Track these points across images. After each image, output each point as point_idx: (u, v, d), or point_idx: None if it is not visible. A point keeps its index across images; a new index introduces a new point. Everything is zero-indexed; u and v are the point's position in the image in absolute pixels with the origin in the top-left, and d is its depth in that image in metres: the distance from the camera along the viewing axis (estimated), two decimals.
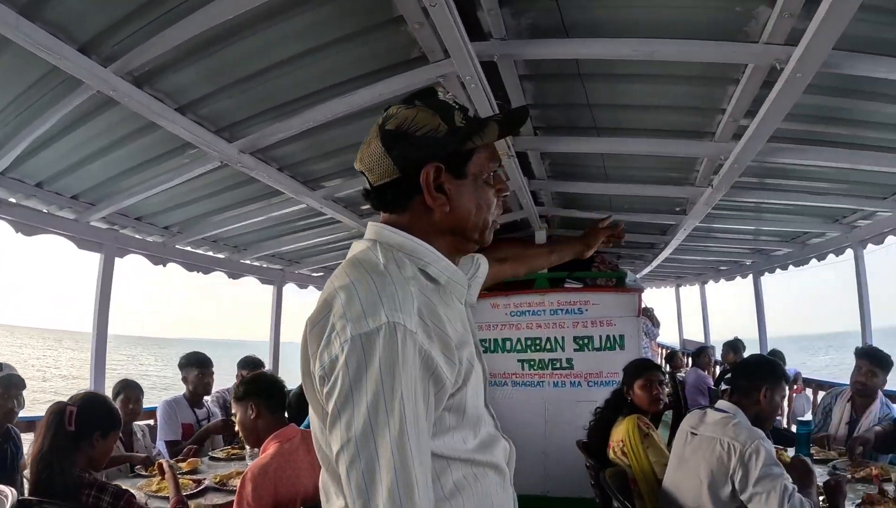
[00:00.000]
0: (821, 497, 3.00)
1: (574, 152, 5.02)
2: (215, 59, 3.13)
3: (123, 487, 2.92)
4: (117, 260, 5.26)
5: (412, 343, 1.18)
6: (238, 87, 3.44)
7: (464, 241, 1.45)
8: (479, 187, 1.43)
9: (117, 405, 3.88)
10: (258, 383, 3.34)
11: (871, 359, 4.47)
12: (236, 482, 3.38)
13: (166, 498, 3.40)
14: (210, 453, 4.68)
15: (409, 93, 3.22)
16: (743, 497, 2.77)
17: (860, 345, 4.87)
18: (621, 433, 3.80)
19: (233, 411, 3.45)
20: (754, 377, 3.13)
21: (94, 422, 2.93)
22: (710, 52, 3.17)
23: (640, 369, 4.03)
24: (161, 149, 4.02)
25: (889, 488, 3.28)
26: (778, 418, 7.23)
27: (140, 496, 3.33)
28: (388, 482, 1.10)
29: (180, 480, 3.56)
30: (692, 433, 3.13)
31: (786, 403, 7.51)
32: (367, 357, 1.16)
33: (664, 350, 12.23)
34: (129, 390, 4.49)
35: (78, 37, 2.81)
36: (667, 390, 4.01)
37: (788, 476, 2.78)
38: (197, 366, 5.22)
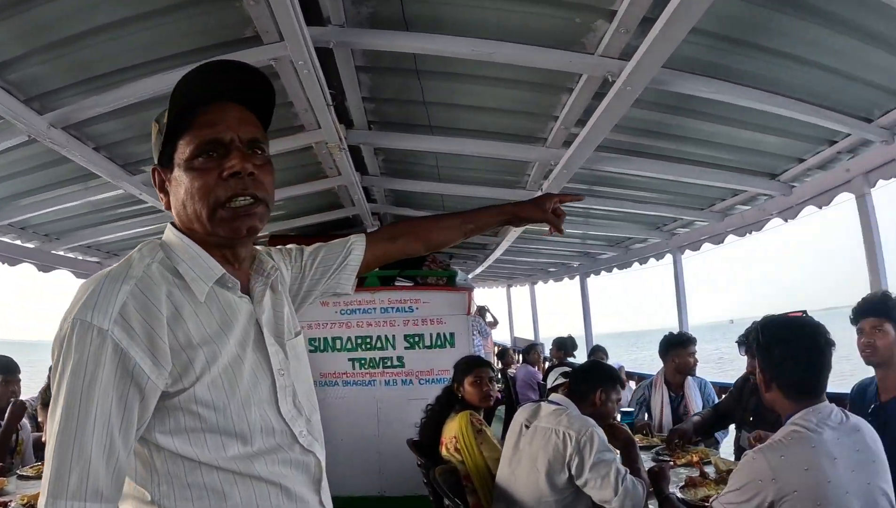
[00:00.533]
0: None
1: (408, 150, 4.98)
2: (28, 17, 2.72)
3: None
4: None
5: (96, 336, 1.16)
6: (53, 51, 3.00)
7: (204, 235, 1.36)
8: (184, 174, 1.33)
9: None
10: None
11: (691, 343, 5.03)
12: None
13: None
14: (18, 471, 4.03)
15: None
16: (579, 483, 2.90)
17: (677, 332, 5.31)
18: (454, 429, 3.79)
19: (40, 419, 3.09)
20: (590, 381, 3.29)
21: None
22: (548, 58, 3.20)
23: (470, 365, 4.03)
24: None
25: (710, 470, 3.47)
26: None
27: None
28: (50, 449, 1.14)
29: None
30: (526, 426, 3.20)
31: None
32: (61, 345, 1.18)
33: (497, 348, 12.53)
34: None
35: None
36: (497, 386, 4.03)
37: (618, 460, 2.96)
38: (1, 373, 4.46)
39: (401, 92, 4.01)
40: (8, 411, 4.18)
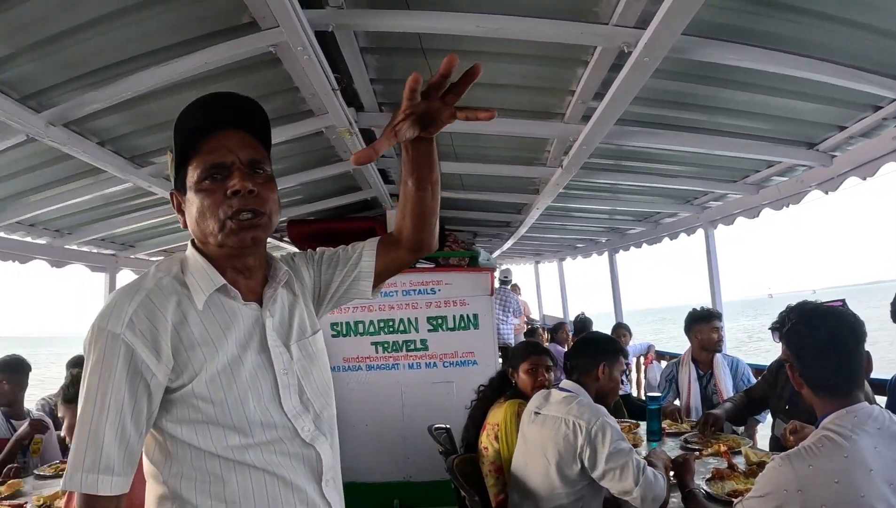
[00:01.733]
0: (671, 474, 3.06)
1: None
2: (14, 13, 2.64)
3: None
4: None
5: (111, 339, 1.40)
6: (43, 48, 2.92)
7: (215, 247, 1.56)
8: (195, 196, 1.53)
9: None
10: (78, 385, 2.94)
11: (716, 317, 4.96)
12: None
13: None
14: (36, 470, 4.03)
15: (237, 62, 3.09)
16: (595, 475, 2.83)
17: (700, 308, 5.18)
18: (499, 416, 3.69)
19: (59, 414, 3.09)
20: (592, 354, 3.24)
21: None
22: (558, 31, 3.03)
23: (527, 352, 3.90)
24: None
25: (739, 461, 3.33)
26: (630, 390, 7.53)
27: None
28: (77, 436, 1.39)
29: None
30: (536, 413, 3.15)
31: (643, 374, 7.86)
32: (86, 348, 1.44)
33: (526, 326, 12.46)
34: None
35: None
36: (552, 375, 3.89)
37: (634, 450, 2.87)
38: (9, 371, 4.48)
39: (409, 72, 3.79)
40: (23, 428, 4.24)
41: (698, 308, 5.07)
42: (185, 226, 1.61)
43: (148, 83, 3.23)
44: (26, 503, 3.39)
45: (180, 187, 1.59)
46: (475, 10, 2.98)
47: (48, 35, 2.83)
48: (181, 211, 1.62)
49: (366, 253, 1.85)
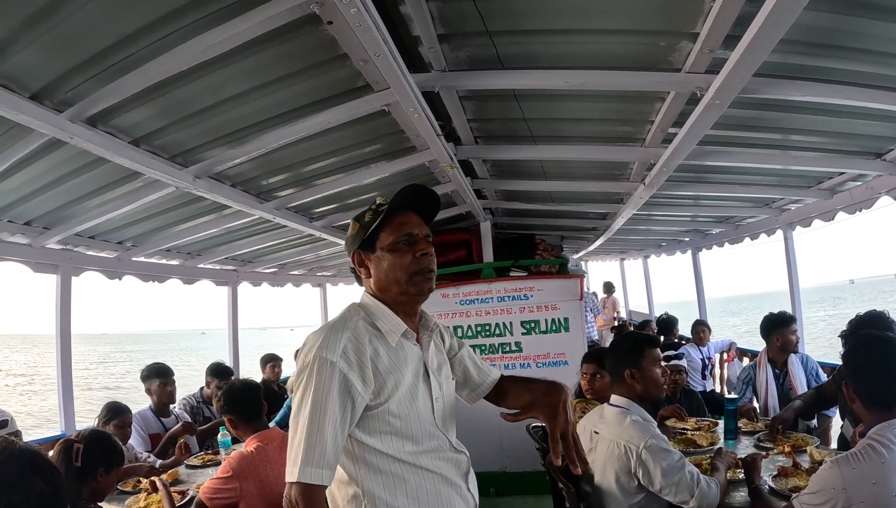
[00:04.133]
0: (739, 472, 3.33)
1: (514, 159, 5.26)
2: (169, 98, 3.20)
3: None
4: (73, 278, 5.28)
5: (329, 366, 1.80)
6: (190, 120, 3.51)
7: (396, 294, 2.03)
8: (387, 254, 2.02)
9: (110, 429, 4.07)
10: (230, 400, 3.56)
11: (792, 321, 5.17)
12: None
13: None
14: (186, 462, 4.69)
15: (353, 119, 3.55)
16: (654, 490, 3.01)
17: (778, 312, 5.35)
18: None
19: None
20: (616, 364, 3.35)
21: (99, 458, 3.11)
22: (636, 81, 3.39)
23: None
24: (115, 176, 4.05)
25: (804, 459, 3.57)
26: (713, 386, 7.66)
27: None
28: (299, 434, 1.77)
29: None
30: (595, 433, 3.31)
31: (725, 371, 7.97)
32: (306, 371, 1.84)
33: (616, 323, 12.61)
34: (121, 415, 4.50)
35: (30, 85, 2.86)
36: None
37: (686, 460, 3.04)
38: (158, 376, 5.27)
39: (502, 112, 4.28)
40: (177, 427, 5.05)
41: (774, 313, 5.27)
42: (367, 276, 2.09)
43: (277, 140, 3.81)
44: (188, 490, 3.91)
45: (367, 248, 2.06)
46: (561, 67, 3.37)
47: (197, 109, 3.43)
48: (363, 266, 2.10)
49: (445, 335, 2.34)
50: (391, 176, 5.04)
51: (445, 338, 2.33)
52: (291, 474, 1.75)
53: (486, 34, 3.09)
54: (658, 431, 3.17)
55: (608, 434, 3.20)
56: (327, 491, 1.87)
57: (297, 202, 5.31)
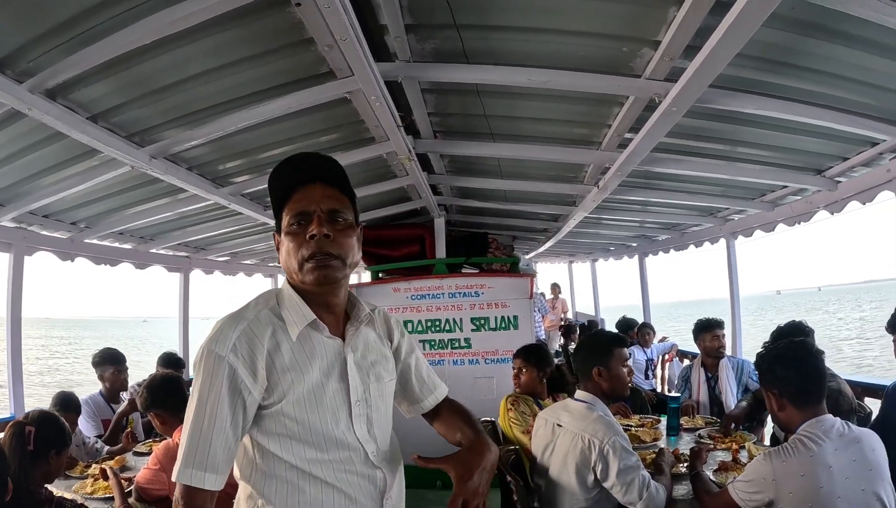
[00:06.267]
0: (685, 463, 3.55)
1: (472, 155, 5.29)
2: (130, 73, 3.14)
3: (68, 497, 3.08)
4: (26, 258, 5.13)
5: (217, 361, 1.65)
6: (151, 97, 3.45)
7: (299, 283, 1.82)
8: (284, 238, 1.82)
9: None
10: (154, 394, 3.54)
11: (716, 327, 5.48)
12: None
13: (103, 500, 3.52)
14: (133, 449, 4.61)
15: (314, 105, 3.51)
16: (606, 485, 3.13)
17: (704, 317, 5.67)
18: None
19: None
20: (583, 361, 3.46)
21: (51, 440, 3.06)
22: (598, 83, 3.44)
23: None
24: (72, 153, 3.96)
25: (744, 456, 3.77)
26: (655, 385, 7.89)
27: (77, 498, 3.41)
28: (184, 433, 1.66)
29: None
30: (558, 425, 3.40)
31: (666, 371, 8.23)
32: (198, 365, 1.69)
33: (563, 323, 12.80)
34: (68, 403, 4.44)
35: None
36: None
37: (642, 465, 3.18)
38: (112, 363, 5.22)
39: (463, 108, 4.31)
40: (124, 405, 4.96)
41: (702, 318, 5.59)
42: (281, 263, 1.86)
43: (236, 123, 3.76)
44: (135, 476, 3.71)
45: (278, 231, 1.85)
46: (526, 64, 3.42)
47: (157, 87, 3.37)
48: (279, 250, 1.87)
49: (430, 400, 2.15)
50: (349, 166, 4.86)
51: (394, 334, 2.10)
52: (174, 472, 1.64)
53: (453, 27, 3.12)
54: (622, 431, 3.26)
55: (573, 427, 3.28)
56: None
57: (253, 189, 5.27)
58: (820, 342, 4.09)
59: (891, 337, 3.93)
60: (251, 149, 4.48)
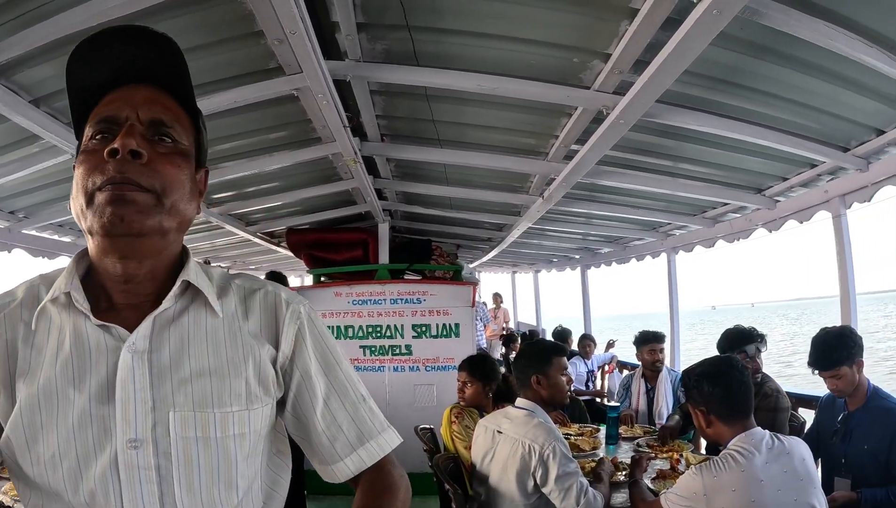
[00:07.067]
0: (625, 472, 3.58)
1: (418, 160, 5.27)
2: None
3: None
4: None
5: None
6: None
7: (90, 234, 1.11)
8: (77, 162, 1.12)
9: None
10: None
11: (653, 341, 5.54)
12: None
13: None
14: None
15: (260, 101, 3.33)
16: (545, 491, 3.13)
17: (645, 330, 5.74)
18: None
19: None
20: (523, 369, 3.46)
21: None
22: (547, 92, 3.45)
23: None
24: (12, 138, 3.74)
25: (682, 462, 3.82)
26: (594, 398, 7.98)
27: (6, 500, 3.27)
28: None
29: None
30: (499, 432, 3.38)
31: (606, 382, 8.35)
32: None
33: (504, 331, 12.86)
34: None
35: None
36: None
37: (581, 472, 3.18)
38: None
39: (411, 112, 4.28)
40: None
41: (642, 331, 5.68)
42: None
43: None
44: None
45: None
46: (477, 70, 3.40)
47: None
48: None
49: (347, 465, 1.26)
50: (294, 166, 4.97)
51: (285, 331, 1.23)
52: None
53: (405, 28, 3.08)
54: (563, 438, 3.27)
55: (513, 434, 3.27)
56: None
57: None
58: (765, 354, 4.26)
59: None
60: None
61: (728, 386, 2.78)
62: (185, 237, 1.25)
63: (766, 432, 2.74)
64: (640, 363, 5.69)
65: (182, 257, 1.22)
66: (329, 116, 3.73)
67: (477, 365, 4.44)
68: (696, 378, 2.88)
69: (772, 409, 4.04)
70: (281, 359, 1.22)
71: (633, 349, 5.71)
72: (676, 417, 4.72)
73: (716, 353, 3.86)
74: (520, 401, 3.43)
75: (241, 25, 2.95)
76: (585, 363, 8.07)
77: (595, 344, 8.43)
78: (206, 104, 3.47)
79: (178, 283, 1.15)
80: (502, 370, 7.77)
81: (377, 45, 3.36)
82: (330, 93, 3.41)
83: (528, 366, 3.44)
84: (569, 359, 7.19)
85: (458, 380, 4.45)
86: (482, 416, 4.18)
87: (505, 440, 3.31)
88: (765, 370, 4.28)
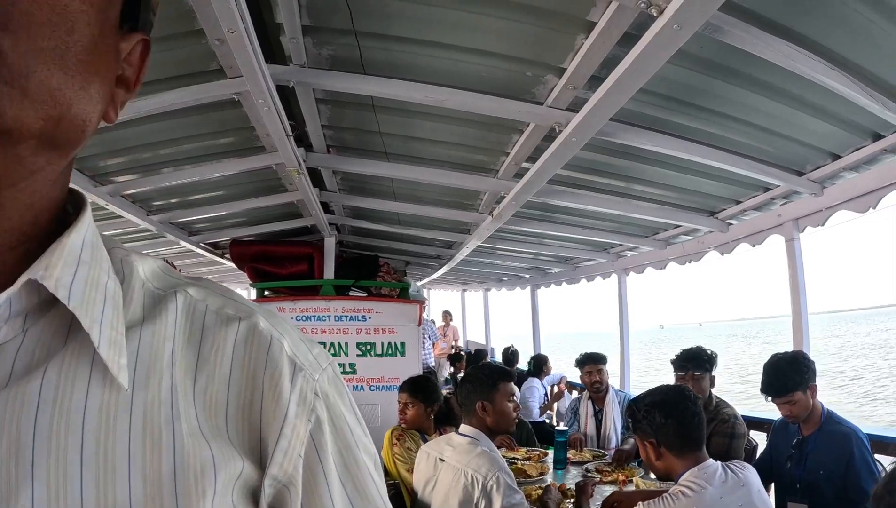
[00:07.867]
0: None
1: (365, 173, 5.11)
2: None
3: None
4: None
5: None
6: None
7: None
8: None
9: None
10: None
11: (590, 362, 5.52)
12: None
13: None
14: None
15: (201, 104, 3.16)
16: None
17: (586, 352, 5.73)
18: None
19: None
20: (467, 395, 3.35)
21: None
22: (498, 106, 3.33)
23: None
24: None
25: (630, 488, 3.76)
26: (543, 417, 7.92)
27: None
28: None
29: None
30: (441, 460, 3.27)
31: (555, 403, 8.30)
32: None
33: (453, 350, 12.77)
34: None
35: None
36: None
37: (527, 504, 3.06)
38: None
39: (358, 123, 4.13)
40: None
41: (583, 352, 5.67)
42: None
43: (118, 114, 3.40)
44: None
45: None
46: (425, 80, 3.27)
47: None
48: None
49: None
50: (238, 175, 4.76)
51: (285, 432, 0.62)
52: None
53: (352, 34, 2.94)
54: (507, 467, 3.15)
55: (456, 462, 3.15)
56: None
57: (135, 190, 4.85)
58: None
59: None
60: (135, 146, 4.11)
61: (681, 417, 2.66)
62: (128, 245, 0.77)
63: (719, 464, 2.63)
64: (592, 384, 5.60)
65: (64, 211, 0.66)
66: (271, 124, 3.54)
67: (419, 386, 4.33)
68: (647, 408, 2.75)
69: (728, 435, 3.99)
70: (271, 484, 0.63)
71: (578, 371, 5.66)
72: (631, 440, 4.65)
73: (664, 373, 3.82)
74: (464, 428, 3.32)
75: (182, 23, 2.77)
76: (543, 385, 8.03)
77: (550, 366, 8.39)
78: (144, 105, 3.31)
79: (17, 285, 0.55)
80: (450, 389, 7.69)
81: (323, 51, 3.21)
82: (272, 99, 3.23)
83: (473, 392, 3.32)
84: (523, 381, 7.12)
85: (399, 401, 4.33)
86: (424, 439, 4.07)
87: (447, 469, 3.18)
88: (713, 391, 4.24)
